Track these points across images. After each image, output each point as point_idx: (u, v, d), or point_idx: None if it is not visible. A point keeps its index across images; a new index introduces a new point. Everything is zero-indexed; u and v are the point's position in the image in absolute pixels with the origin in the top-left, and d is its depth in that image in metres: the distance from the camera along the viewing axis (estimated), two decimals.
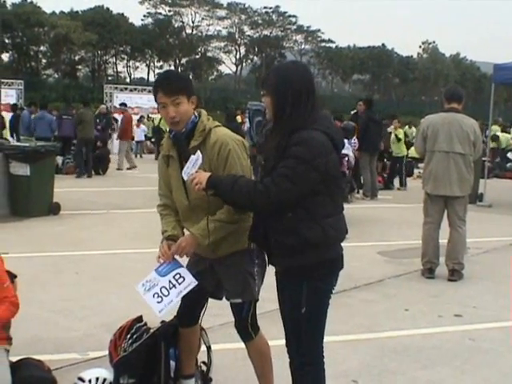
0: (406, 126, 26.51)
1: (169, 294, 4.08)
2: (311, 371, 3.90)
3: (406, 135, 20.38)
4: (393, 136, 20.13)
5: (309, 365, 3.89)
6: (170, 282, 4.10)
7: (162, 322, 4.81)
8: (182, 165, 4.10)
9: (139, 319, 4.87)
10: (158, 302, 4.08)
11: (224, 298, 4.45)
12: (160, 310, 4.08)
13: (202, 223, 4.07)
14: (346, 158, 12.96)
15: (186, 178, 3.87)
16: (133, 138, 28.65)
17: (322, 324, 3.89)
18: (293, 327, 3.87)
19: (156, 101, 4.16)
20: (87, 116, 20.91)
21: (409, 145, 20.42)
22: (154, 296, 4.10)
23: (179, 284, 4.08)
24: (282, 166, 3.57)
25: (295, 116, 3.65)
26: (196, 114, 4.20)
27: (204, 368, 4.99)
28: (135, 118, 32.23)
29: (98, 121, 24.68)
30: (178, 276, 4.11)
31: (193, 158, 3.85)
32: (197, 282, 4.08)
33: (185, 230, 4.38)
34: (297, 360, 3.91)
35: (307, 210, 3.64)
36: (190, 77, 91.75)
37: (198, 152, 3.88)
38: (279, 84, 3.70)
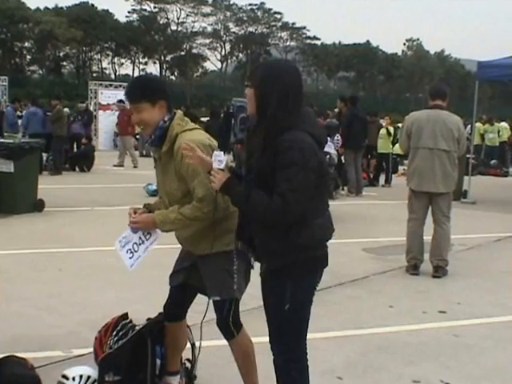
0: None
1: (138, 249, 4.28)
2: (295, 368, 3.89)
3: (388, 132, 20.44)
4: (383, 131, 20.22)
5: (293, 362, 3.89)
6: (139, 238, 4.30)
7: (148, 319, 4.80)
8: (157, 166, 4.35)
9: (125, 316, 4.86)
10: (130, 258, 4.30)
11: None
12: (131, 265, 4.32)
13: (167, 210, 4.20)
14: (328, 156, 12.98)
15: (213, 166, 3.77)
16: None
17: (305, 321, 3.89)
18: (276, 324, 3.86)
19: None
20: (63, 112, 20.80)
21: (394, 142, 20.56)
22: (127, 252, 4.32)
23: (147, 240, 4.28)
24: (283, 179, 3.52)
25: (279, 115, 3.60)
26: (166, 118, 4.20)
27: (188, 365, 4.98)
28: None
29: (79, 118, 24.63)
30: (146, 232, 4.30)
31: (222, 155, 3.76)
32: (161, 234, 4.27)
33: None
34: (281, 357, 3.90)
35: (299, 214, 3.62)
36: (174, 73, 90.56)
37: (227, 157, 3.85)
38: (266, 80, 3.64)
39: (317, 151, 3.64)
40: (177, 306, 4.59)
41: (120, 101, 25.54)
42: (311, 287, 3.84)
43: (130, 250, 4.28)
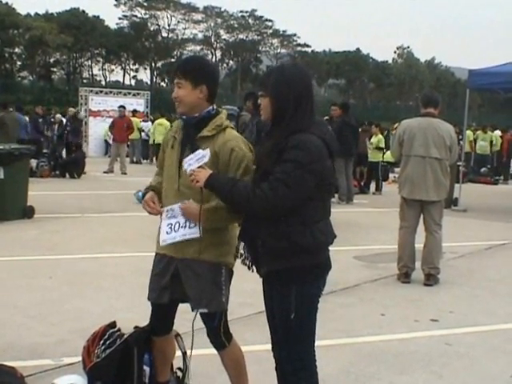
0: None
1: (178, 231, 4.12)
2: (304, 377, 3.87)
3: (379, 147, 20.57)
4: (375, 140, 20.31)
5: (302, 370, 3.86)
6: (186, 220, 4.10)
7: (136, 327, 4.75)
8: (182, 148, 4.15)
9: (112, 325, 4.81)
10: (167, 233, 4.15)
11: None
12: (163, 241, 4.17)
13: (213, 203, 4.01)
14: None
15: (185, 168, 3.85)
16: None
17: (313, 328, 3.88)
18: (283, 333, 3.83)
19: None
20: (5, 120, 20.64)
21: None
22: (167, 225, 4.16)
23: (189, 228, 4.09)
24: (278, 170, 3.55)
25: (294, 119, 3.63)
26: (214, 107, 4.22)
27: (180, 374, 4.94)
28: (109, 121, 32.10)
29: (68, 124, 24.64)
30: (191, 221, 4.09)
31: (200, 152, 3.83)
32: (200, 235, 4.05)
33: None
34: (289, 366, 3.86)
35: (299, 215, 3.63)
36: (164, 79, 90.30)
37: (208, 150, 3.87)
38: (280, 85, 3.67)
39: (324, 156, 3.66)
40: (163, 321, 4.50)
41: (121, 106, 25.55)
42: (315, 294, 3.84)
43: (171, 225, 4.13)
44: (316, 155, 3.59)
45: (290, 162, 3.54)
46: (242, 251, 3.92)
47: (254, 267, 3.92)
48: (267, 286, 3.86)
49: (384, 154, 20.86)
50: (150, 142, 29.28)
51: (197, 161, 3.79)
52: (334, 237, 3.87)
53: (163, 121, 27.88)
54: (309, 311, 3.82)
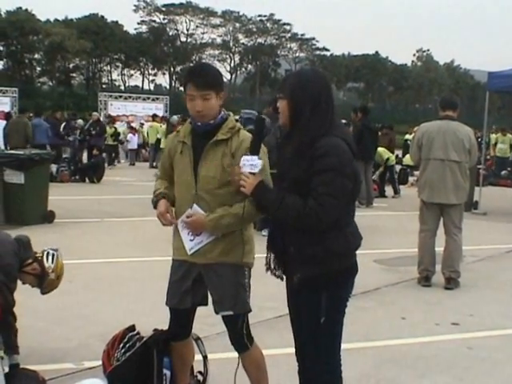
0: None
1: (200, 234, 4.13)
2: (330, 380, 3.86)
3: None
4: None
5: (327, 373, 3.84)
6: None
7: (155, 329, 4.76)
8: (195, 153, 4.16)
9: (132, 328, 4.83)
10: (191, 241, 4.17)
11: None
12: (190, 249, 4.17)
13: (217, 215, 4.05)
14: None
15: (241, 165, 3.75)
16: None
17: (339, 332, 3.85)
18: (310, 337, 3.79)
19: (185, 91, 4.17)
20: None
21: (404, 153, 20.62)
22: (188, 234, 4.17)
23: None
24: (318, 183, 3.51)
25: (313, 122, 3.61)
26: (225, 111, 4.24)
27: (200, 378, 4.94)
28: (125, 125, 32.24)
29: (91, 128, 24.79)
30: None
31: (255, 159, 3.72)
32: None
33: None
34: (315, 370, 3.83)
35: (336, 220, 3.60)
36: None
37: (261, 162, 3.76)
38: (297, 88, 3.66)
39: (351, 158, 3.64)
40: (183, 326, 4.51)
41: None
42: (344, 298, 3.82)
43: (191, 232, 4.16)
44: (346, 158, 3.58)
45: (327, 172, 3.51)
46: (271, 264, 3.88)
47: (284, 276, 3.89)
48: (296, 291, 3.80)
49: (396, 155, 20.79)
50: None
51: (250, 166, 3.71)
52: (361, 238, 3.85)
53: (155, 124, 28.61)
54: (337, 315, 3.80)
